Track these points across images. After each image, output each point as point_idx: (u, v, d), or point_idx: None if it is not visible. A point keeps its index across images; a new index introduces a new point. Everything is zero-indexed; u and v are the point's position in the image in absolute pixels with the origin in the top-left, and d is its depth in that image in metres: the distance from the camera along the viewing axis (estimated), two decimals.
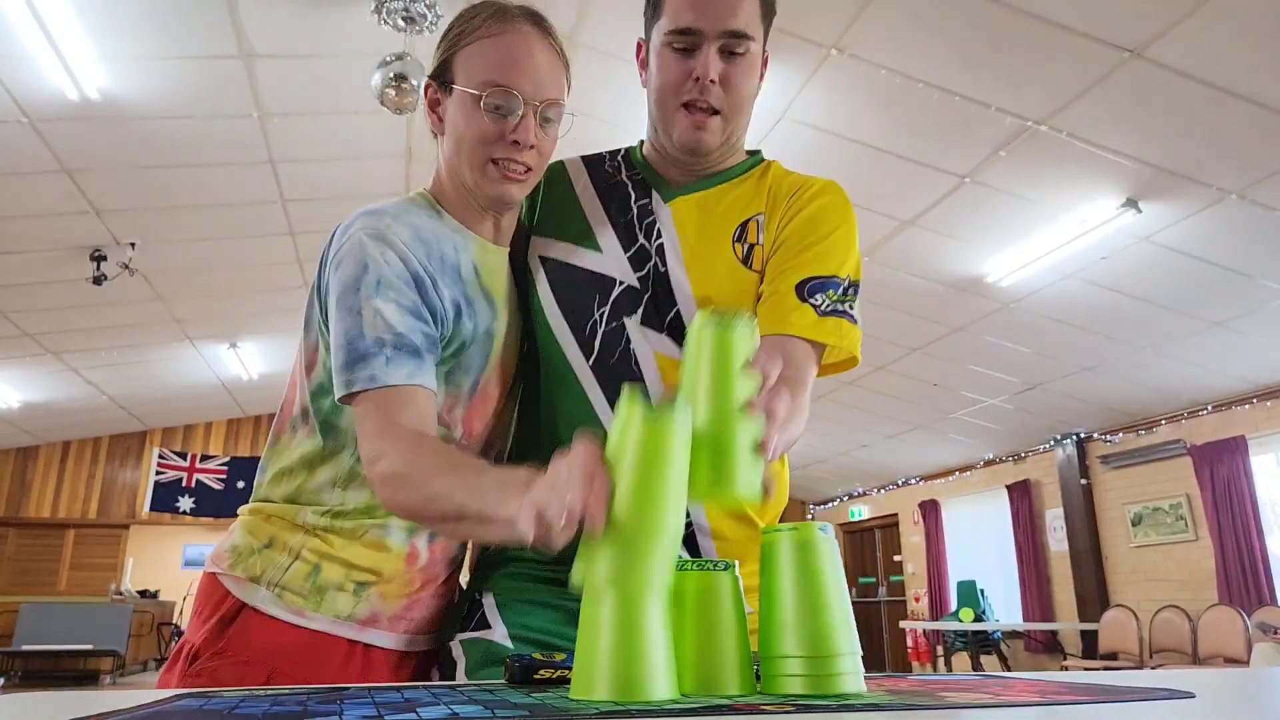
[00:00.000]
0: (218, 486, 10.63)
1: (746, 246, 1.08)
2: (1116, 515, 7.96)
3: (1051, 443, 8.62)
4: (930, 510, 10.42)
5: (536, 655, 0.80)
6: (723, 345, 0.72)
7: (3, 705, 0.58)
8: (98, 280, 5.93)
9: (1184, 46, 3.55)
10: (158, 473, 10.59)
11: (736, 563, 0.74)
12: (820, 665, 0.66)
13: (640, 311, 1.06)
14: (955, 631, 8.42)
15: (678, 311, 1.05)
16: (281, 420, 1.08)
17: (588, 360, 1.06)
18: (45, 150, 4.73)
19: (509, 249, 1.13)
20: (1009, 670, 7.65)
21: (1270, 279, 5.11)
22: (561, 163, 1.20)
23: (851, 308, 1.04)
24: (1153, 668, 6.94)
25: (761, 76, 1.10)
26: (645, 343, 1.05)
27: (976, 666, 8.21)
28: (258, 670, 0.95)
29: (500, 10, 1.04)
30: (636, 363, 1.05)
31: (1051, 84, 3.90)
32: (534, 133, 1.01)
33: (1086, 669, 7.40)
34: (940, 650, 8.81)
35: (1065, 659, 8.17)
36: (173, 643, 10.43)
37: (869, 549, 12.14)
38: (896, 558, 11.44)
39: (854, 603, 0.75)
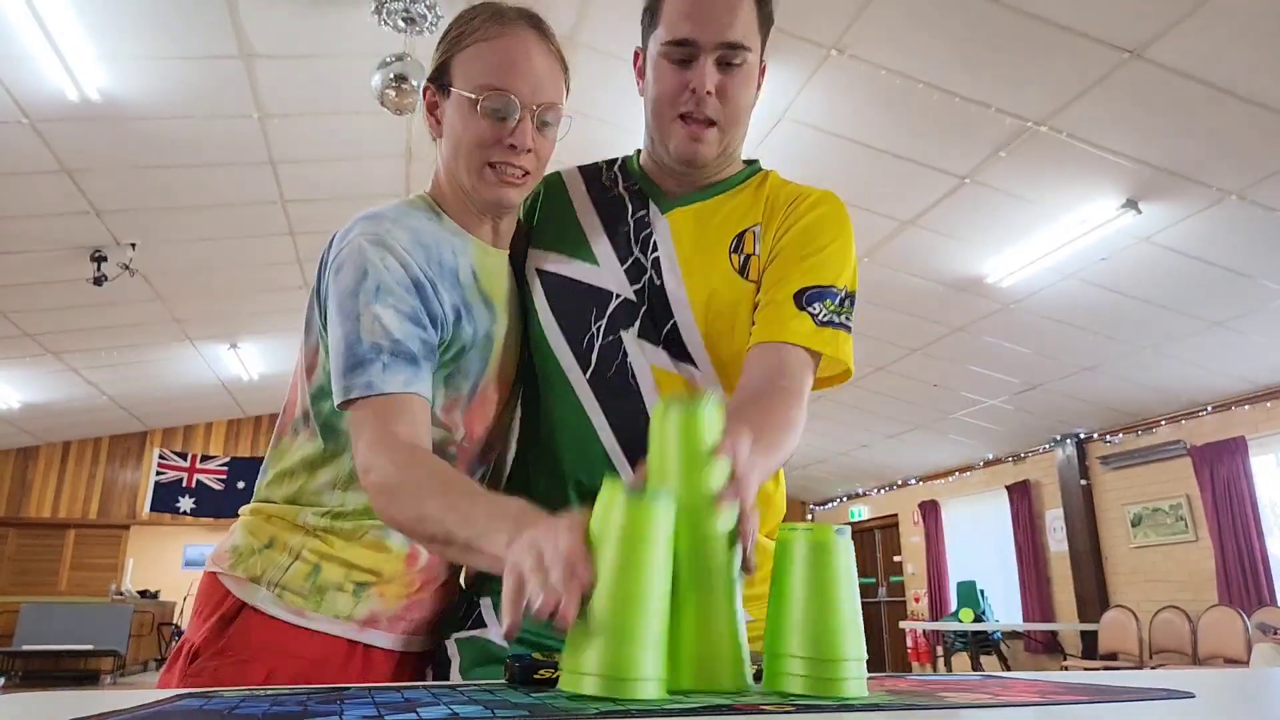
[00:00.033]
0: (218, 487, 10.63)
1: (743, 257, 1.07)
2: (1116, 516, 7.95)
3: (1051, 443, 8.61)
4: (930, 511, 10.42)
5: (536, 655, 0.80)
6: (689, 432, 0.70)
7: (3, 705, 0.58)
8: (98, 280, 5.93)
9: (1184, 47, 3.55)
10: (158, 473, 10.59)
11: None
12: (825, 668, 0.66)
13: (637, 324, 1.06)
14: (955, 632, 8.42)
15: (674, 324, 1.05)
16: (283, 422, 1.08)
17: (585, 373, 1.06)
18: (45, 150, 4.73)
19: (509, 251, 1.13)
20: (1009, 670, 7.65)
21: (1270, 279, 5.11)
22: (559, 174, 1.20)
23: (848, 319, 1.04)
24: (1152, 668, 6.94)
25: (759, 85, 1.09)
26: (642, 356, 1.05)
27: (976, 667, 8.21)
28: (257, 670, 0.95)
29: (498, 13, 1.03)
30: (633, 376, 1.05)
31: (1051, 84, 3.90)
32: (531, 136, 1.01)
33: (1086, 669, 7.40)
34: (940, 650, 8.81)
35: (1065, 659, 8.17)
36: (173, 643, 10.43)
37: (869, 549, 12.14)
38: (896, 558, 11.44)
39: None
